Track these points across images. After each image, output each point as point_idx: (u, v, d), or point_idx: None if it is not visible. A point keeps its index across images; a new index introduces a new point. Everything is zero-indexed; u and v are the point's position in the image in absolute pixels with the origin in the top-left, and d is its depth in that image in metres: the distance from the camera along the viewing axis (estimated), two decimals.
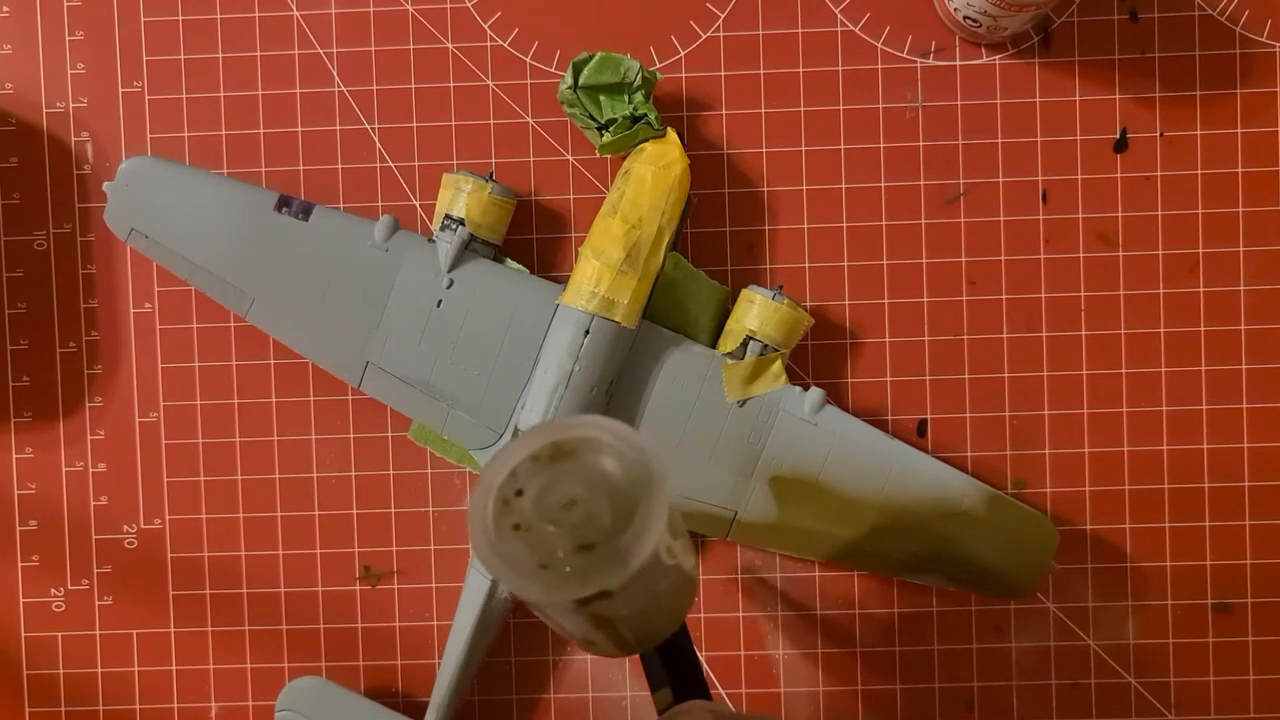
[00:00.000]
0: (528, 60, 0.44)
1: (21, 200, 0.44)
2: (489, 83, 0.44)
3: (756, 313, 0.40)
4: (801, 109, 0.43)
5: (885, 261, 0.43)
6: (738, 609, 0.44)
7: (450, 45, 0.44)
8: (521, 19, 0.43)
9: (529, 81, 0.44)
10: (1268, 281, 0.43)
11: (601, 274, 0.40)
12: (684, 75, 0.43)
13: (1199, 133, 0.43)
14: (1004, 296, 0.43)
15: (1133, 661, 0.43)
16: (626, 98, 0.41)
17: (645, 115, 0.41)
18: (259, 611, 0.44)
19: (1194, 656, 0.43)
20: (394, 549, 0.44)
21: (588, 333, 0.40)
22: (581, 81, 0.40)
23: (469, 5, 0.44)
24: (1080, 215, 0.43)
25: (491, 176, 0.41)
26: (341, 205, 0.44)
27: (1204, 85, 0.43)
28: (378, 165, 0.44)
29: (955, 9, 0.41)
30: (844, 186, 0.43)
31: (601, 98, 0.41)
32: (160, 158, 0.43)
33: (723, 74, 0.43)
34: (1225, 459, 0.43)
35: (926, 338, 0.43)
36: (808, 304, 0.43)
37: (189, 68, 0.44)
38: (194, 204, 0.42)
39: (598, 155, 0.43)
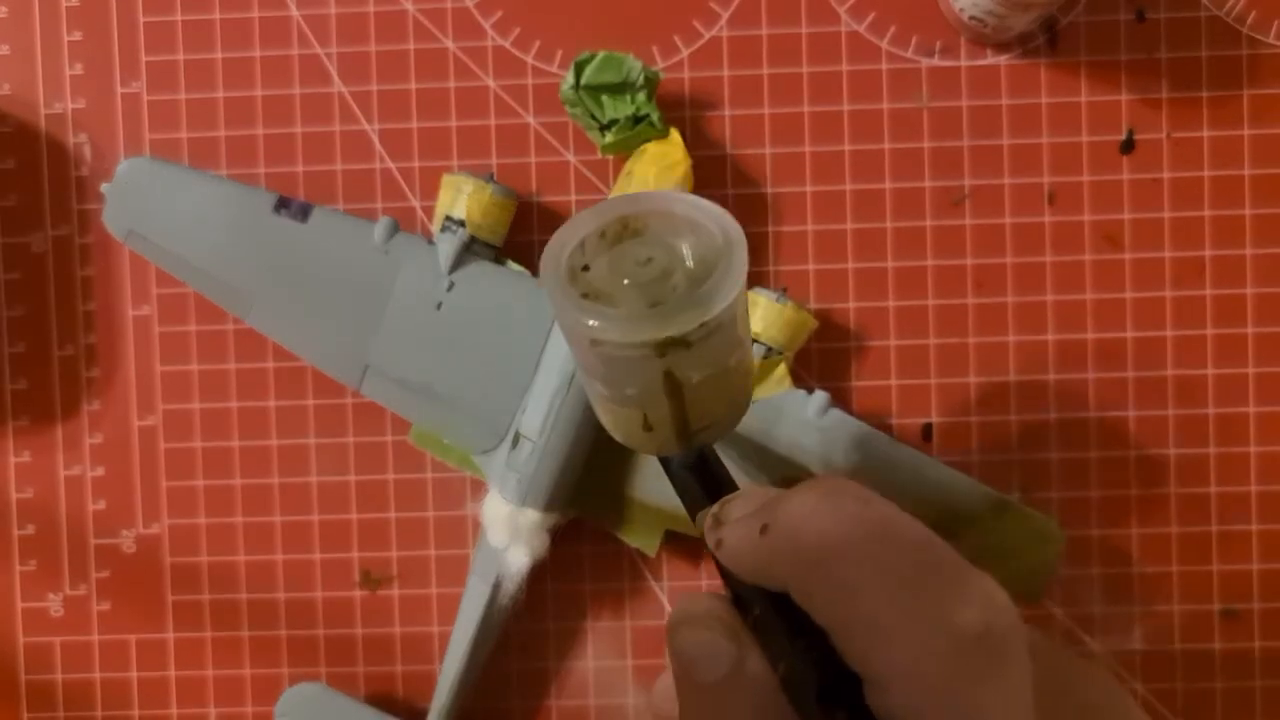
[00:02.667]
0: (529, 60, 0.43)
1: (19, 202, 0.44)
2: (490, 83, 0.43)
3: (760, 315, 0.40)
4: (805, 109, 0.43)
5: (890, 264, 0.43)
6: None
7: (451, 45, 0.43)
8: (523, 18, 0.43)
9: (530, 81, 0.43)
10: (1275, 285, 0.43)
11: None
12: (687, 75, 0.43)
13: (1206, 134, 0.43)
14: (1010, 299, 0.43)
15: (1139, 667, 0.43)
16: (629, 98, 0.40)
17: (648, 115, 0.40)
18: (258, 617, 0.44)
19: (1200, 662, 0.43)
20: (394, 554, 0.44)
21: None
22: (583, 81, 0.40)
23: (469, 5, 0.43)
24: (1086, 217, 0.43)
25: (492, 177, 0.41)
26: (341, 206, 0.43)
27: (1211, 86, 0.43)
28: (377, 166, 0.43)
29: (960, 9, 0.41)
30: (848, 188, 0.43)
31: (604, 98, 0.41)
32: (159, 159, 0.43)
33: (726, 74, 0.43)
34: (1232, 463, 0.43)
35: (932, 340, 0.43)
36: (812, 306, 0.42)
37: (187, 68, 0.44)
38: (192, 205, 0.41)
39: (600, 156, 0.43)
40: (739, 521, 0.27)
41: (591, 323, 0.27)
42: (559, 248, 0.29)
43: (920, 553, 0.24)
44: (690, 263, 0.28)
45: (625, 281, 0.28)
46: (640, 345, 0.27)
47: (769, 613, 0.26)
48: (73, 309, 0.44)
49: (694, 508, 0.30)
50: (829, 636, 0.24)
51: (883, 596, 0.23)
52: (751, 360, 0.31)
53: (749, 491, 0.29)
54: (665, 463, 0.31)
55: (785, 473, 0.40)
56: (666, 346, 0.27)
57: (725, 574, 0.28)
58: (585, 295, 0.28)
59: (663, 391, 0.28)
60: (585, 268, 0.28)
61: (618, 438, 0.31)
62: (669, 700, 0.27)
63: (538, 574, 0.42)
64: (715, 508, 0.28)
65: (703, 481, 0.30)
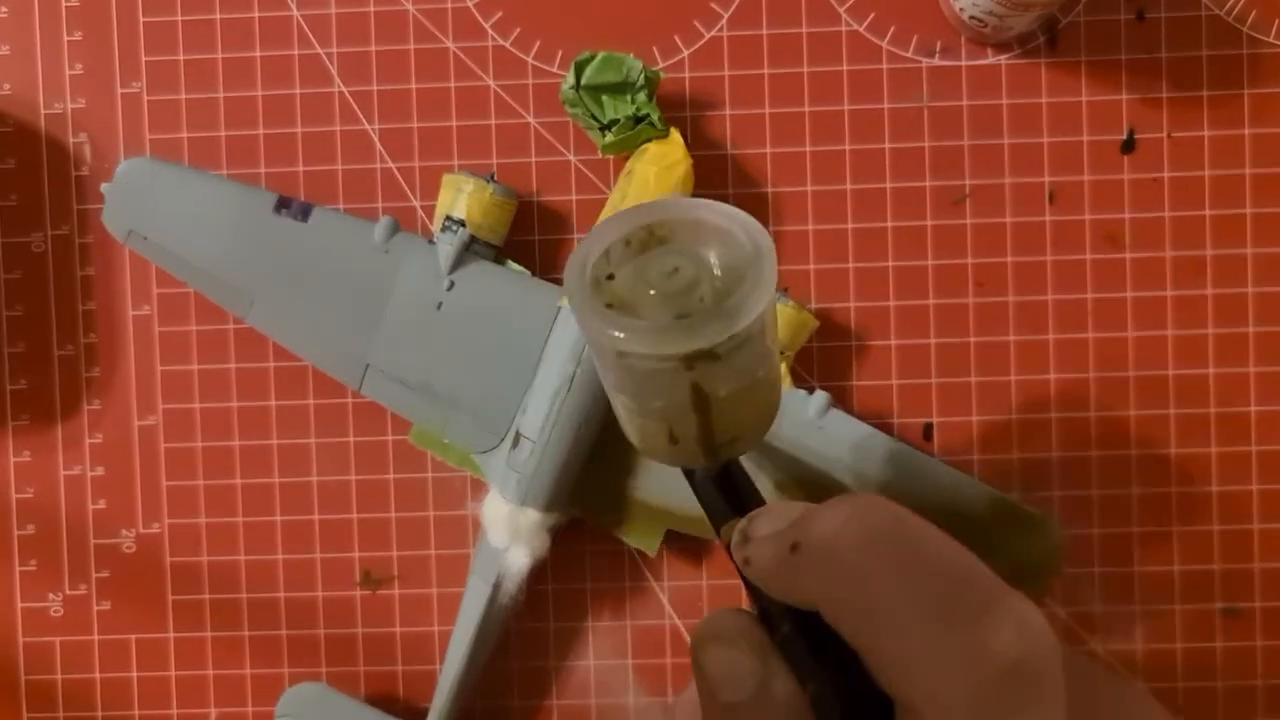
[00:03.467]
0: (529, 60, 0.43)
1: (19, 202, 0.44)
2: (490, 83, 0.43)
3: None
4: (806, 109, 0.43)
5: (891, 263, 0.43)
6: None
7: (451, 45, 0.43)
8: (523, 18, 0.43)
9: (530, 81, 0.43)
10: (1276, 284, 0.43)
11: None
12: (687, 75, 0.43)
13: (1206, 134, 0.43)
14: (1010, 299, 0.43)
15: (1140, 666, 0.43)
16: (629, 97, 0.40)
17: (648, 115, 0.40)
18: (258, 617, 0.44)
19: (1202, 661, 0.43)
20: (394, 554, 0.44)
21: None
22: (584, 81, 0.40)
23: (470, 5, 0.43)
24: (1087, 216, 0.43)
25: (493, 177, 0.41)
26: (341, 206, 0.43)
27: (1211, 86, 0.43)
28: (378, 166, 0.43)
29: (961, 9, 0.41)
30: (849, 187, 0.43)
31: (604, 98, 0.41)
32: (159, 159, 0.43)
33: (726, 74, 0.43)
34: (1233, 463, 0.43)
35: (932, 340, 0.43)
36: (812, 306, 0.42)
37: (188, 68, 0.44)
38: (193, 205, 0.41)
39: (600, 156, 0.43)
40: (767, 539, 0.26)
41: (617, 334, 0.26)
42: (583, 257, 0.28)
43: (952, 575, 0.24)
44: (718, 271, 0.27)
45: (651, 292, 0.27)
46: (667, 358, 0.26)
47: (797, 633, 0.25)
48: (73, 308, 0.44)
49: (718, 521, 0.29)
50: (860, 658, 0.23)
51: (913, 622, 0.23)
52: (779, 371, 0.30)
53: (777, 507, 0.28)
54: (689, 474, 0.30)
55: (791, 473, 0.40)
56: (694, 359, 0.26)
57: (753, 591, 0.27)
58: (610, 305, 0.27)
59: (690, 405, 0.28)
60: (610, 276, 0.28)
61: (641, 449, 0.31)
62: (692, 716, 0.27)
63: (538, 574, 0.42)
64: (743, 523, 0.28)
65: (727, 495, 0.30)
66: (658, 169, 0.40)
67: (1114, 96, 0.43)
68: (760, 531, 0.27)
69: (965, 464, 0.43)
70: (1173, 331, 0.43)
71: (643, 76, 0.40)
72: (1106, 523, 0.43)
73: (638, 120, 0.40)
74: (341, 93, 0.43)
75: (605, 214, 0.41)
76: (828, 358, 0.43)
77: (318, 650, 0.44)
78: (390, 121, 0.43)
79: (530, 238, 0.43)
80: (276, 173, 0.44)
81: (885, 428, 0.42)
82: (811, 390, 0.40)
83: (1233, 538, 0.43)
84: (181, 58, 0.44)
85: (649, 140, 0.41)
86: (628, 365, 0.27)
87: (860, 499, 0.25)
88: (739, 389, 0.28)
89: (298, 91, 0.44)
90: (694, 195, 0.41)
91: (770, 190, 0.43)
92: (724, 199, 0.42)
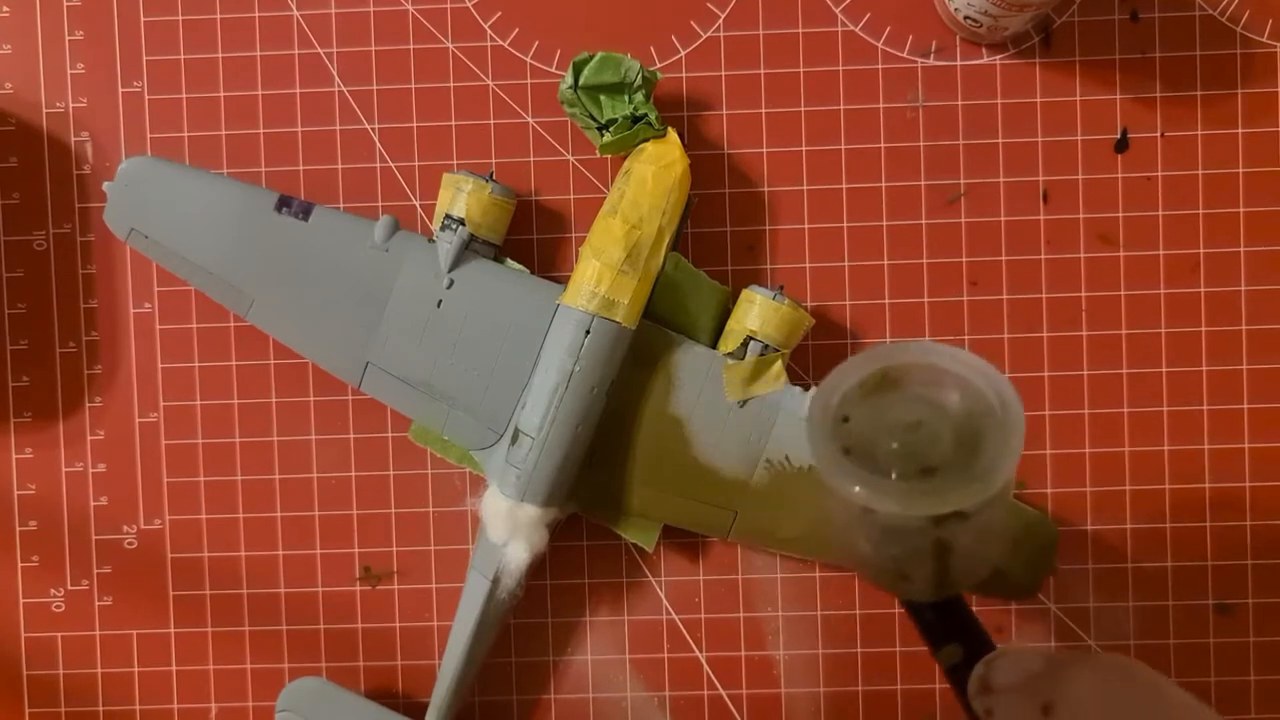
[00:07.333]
0: (528, 60, 0.44)
1: (21, 200, 0.44)
2: (489, 83, 0.44)
3: (757, 313, 0.40)
4: (802, 109, 0.43)
5: (886, 261, 0.43)
6: (738, 609, 0.44)
7: (450, 45, 0.44)
8: (522, 19, 0.43)
9: (529, 81, 0.44)
10: (1268, 282, 0.43)
11: (602, 274, 0.39)
12: (684, 75, 0.43)
13: (1200, 133, 0.43)
14: (1005, 297, 0.43)
15: None
16: (627, 98, 0.41)
17: (646, 115, 0.41)
18: (259, 612, 0.44)
19: (1195, 657, 0.43)
20: (394, 549, 0.44)
21: (588, 333, 0.40)
22: (582, 81, 0.40)
23: (469, 5, 0.44)
24: (1081, 215, 0.43)
25: (492, 176, 0.41)
26: (341, 205, 0.43)
27: (1205, 85, 0.43)
28: (378, 165, 0.44)
29: (956, 9, 0.41)
30: (844, 186, 0.43)
31: (602, 98, 0.41)
32: (160, 158, 0.43)
33: (723, 74, 0.43)
34: (1226, 459, 0.43)
35: (928, 338, 0.43)
36: (808, 304, 0.43)
37: (189, 68, 0.44)
38: (194, 204, 0.41)
39: (598, 155, 0.43)
40: (1013, 695, 0.27)
41: (861, 490, 0.27)
42: (824, 404, 0.28)
43: None
44: (957, 403, 0.28)
45: (894, 445, 0.28)
46: (917, 516, 0.27)
47: None
48: (75, 306, 0.44)
49: (935, 644, 0.30)
50: None
51: None
52: (1008, 510, 0.31)
53: (1012, 655, 0.28)
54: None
55: (779, 472, 0.40)
56: (944, 519, 0.27)
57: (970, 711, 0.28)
58: (846, 450, 0.28)
59: (929, 554, 0.28)
60: (846, 419, 0.28)
61: (864, 576, 0.31)
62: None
63: (537, 569, 0.42)
64: (980, 668, 0.28)
65: (946, 620, 0.30)
66: (655, 168, 0.40)
67: (1108, 96, 0.43)
68: (1000, 681, 0.27)
69: None
70: (1166, 329, 0.43)
71: (640, 76, 0.40)
72: (1101, 519, 0.43)
73: (635, 120, 0.41)
74: (341, 92, 0.44)
75: (603, 212, 0.41)
76: (823, 355, 0.43)
77: (318, 645, 0.44)
78: (390, 121, 0.44)
79: (529, 236, 0.44)
80: (277, 172, 0.44)
81: None
82: (807, 388, 0.41)
83: (1226, 534, 0.43)
84: (182, 57, 0.44)
85: (646, 140, 0.41)
86: (872, 519, 0.28)
87: (1111, 663, 0.26)
88: (979, 536, 0.28)
89: (298, 91, 0.44)
90: (691, 194, 0.41)
91: (766, 189, 0.43)
92: (721, 198, 0.43)
